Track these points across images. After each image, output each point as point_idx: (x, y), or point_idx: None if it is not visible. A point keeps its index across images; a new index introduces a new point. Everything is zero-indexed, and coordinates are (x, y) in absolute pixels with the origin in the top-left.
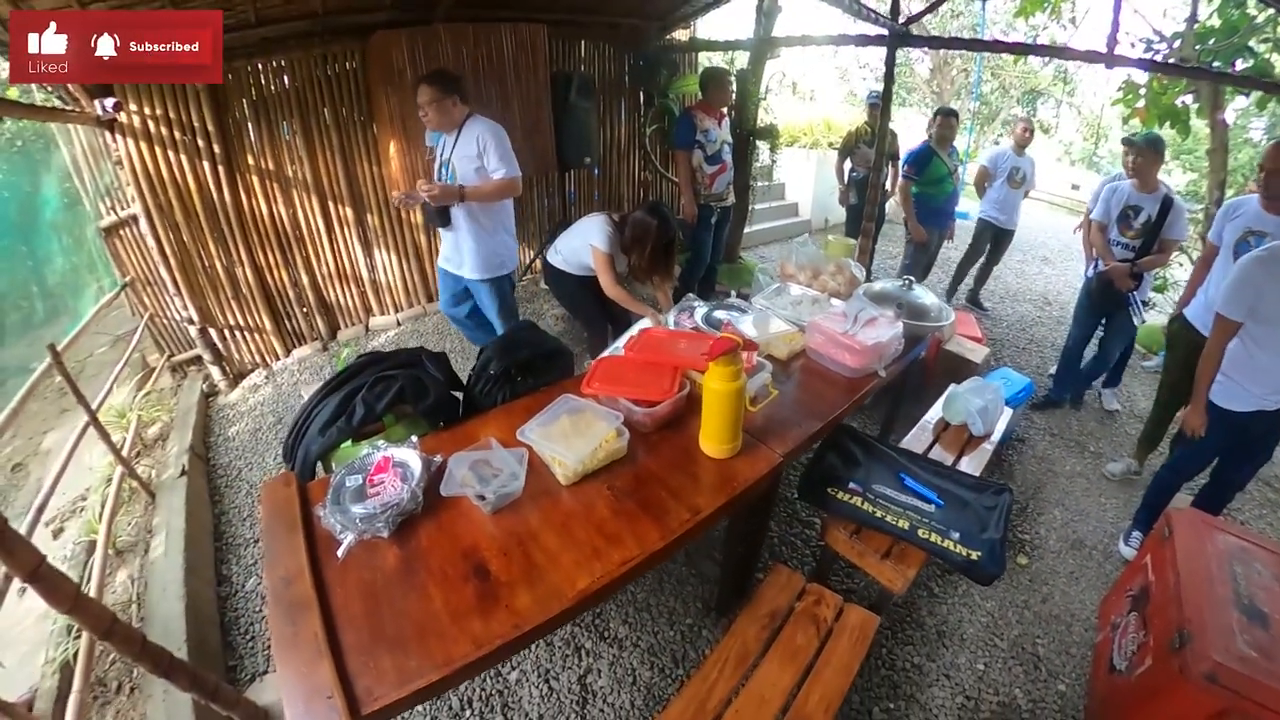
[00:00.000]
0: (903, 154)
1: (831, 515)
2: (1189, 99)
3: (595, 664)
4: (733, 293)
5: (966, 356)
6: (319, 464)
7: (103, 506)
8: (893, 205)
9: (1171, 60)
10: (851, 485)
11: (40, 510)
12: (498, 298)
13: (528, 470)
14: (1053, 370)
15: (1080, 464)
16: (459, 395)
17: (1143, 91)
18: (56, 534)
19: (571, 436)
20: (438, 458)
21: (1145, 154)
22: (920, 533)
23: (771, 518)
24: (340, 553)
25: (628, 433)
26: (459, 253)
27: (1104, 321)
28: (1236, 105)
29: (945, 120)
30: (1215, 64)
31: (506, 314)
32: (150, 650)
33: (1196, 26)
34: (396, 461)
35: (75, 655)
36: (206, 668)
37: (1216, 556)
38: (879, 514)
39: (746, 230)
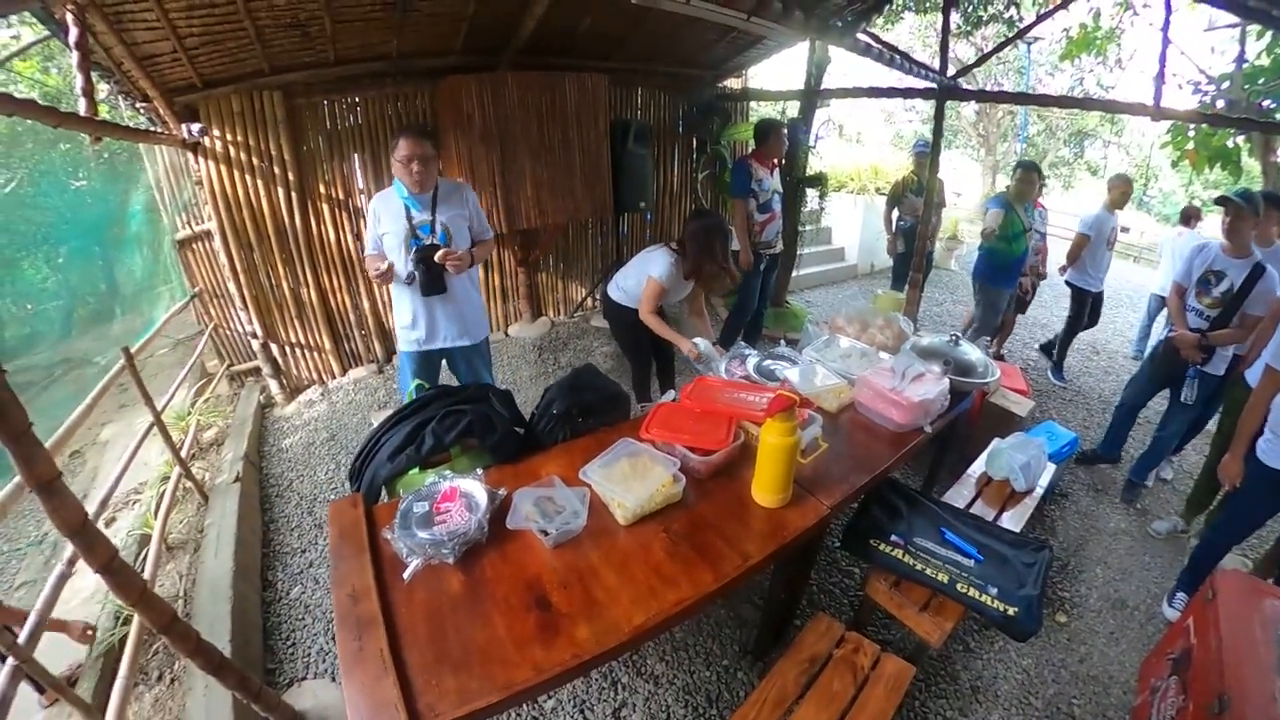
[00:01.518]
0: (950, 199)
1: (873, 566)
2: (1240, 139)
3: (631, 699)
4: (782, 340)
5: (1011, 409)
6: (383, 488)
7: (159, 503)
8: (939, 251)
9: (1219, 102)
10: (894, 538)
11: (104, 503)
12: (488, 351)
13: (588, 509)
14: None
15: (1125, 521)
16: (520, 431)
17: (1191, 133)
18: (109, 524)
19: (630, 479)
20: (501, 491)
21: (1237, 211)
22: (959, 587)
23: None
24: (406, 575)
25: (684, 478)
26: (450, 323)
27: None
28: None
29: (1025, 175)
30: (1267, 103)
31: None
32: (204, 648)
33: (1245, 67)
34: (463, 492)
35: (120, 642)
36: (248, 669)
37: (1261, 621)
38: (919, 567)
39: (793, 274)
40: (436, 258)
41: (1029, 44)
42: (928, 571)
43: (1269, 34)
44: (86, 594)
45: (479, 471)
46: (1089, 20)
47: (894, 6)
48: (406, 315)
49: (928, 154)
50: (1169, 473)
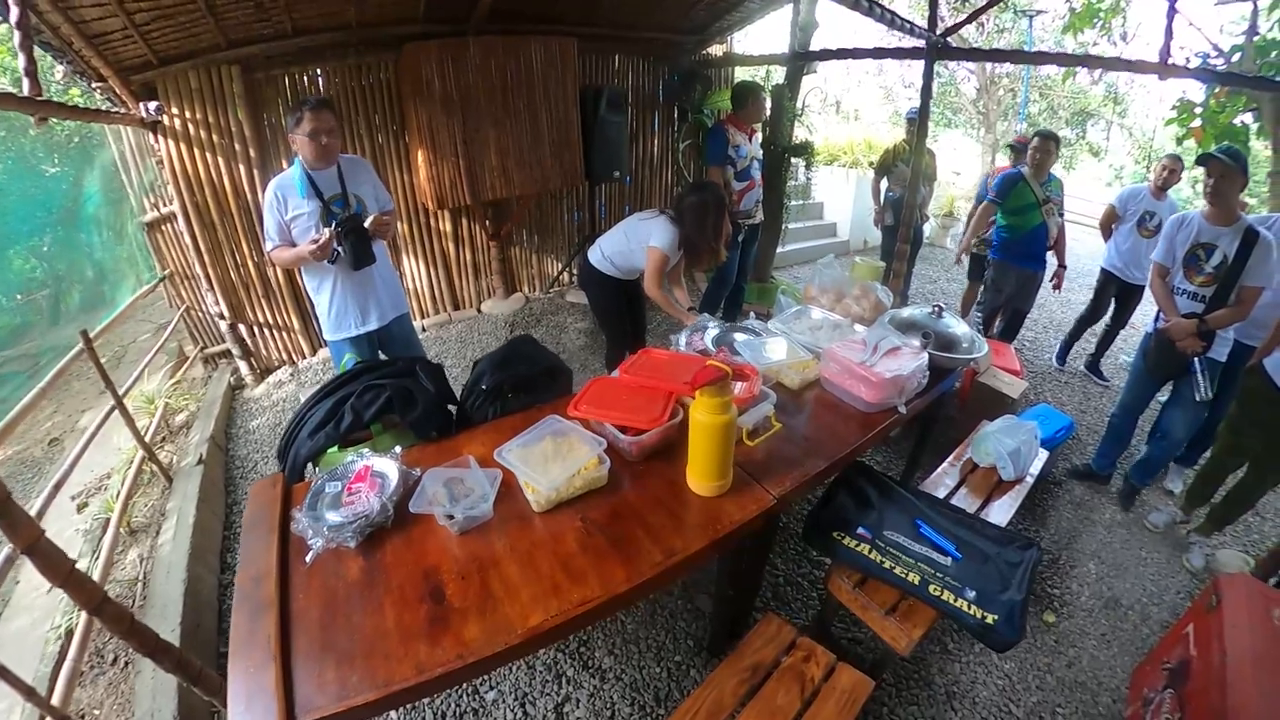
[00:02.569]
0: (950, 178)
1: (836, 561)
2: (1248, 117)
3: (575, 693)
4: (752, 314)
5: (1002, 390)
6: (311, 467)
7: (121, 487)
8: (931, 227)
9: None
10: (860, 530)
11: (58, 486)
12: (412, 326)
13: (503, 493)
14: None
15: (1120, 513)
16: (453, 408)
17: (1198, 110)
18: (81, 508)
19: (552, 460)
20: (416, 471)
21: (1222, 170)
22: (931, 589)
23: (771, 557)
24: (308, 558)
25: (609, 461)
26: (380, 297)
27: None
28: None
29: (1042, 144)
30: (1278, 79)
31: None
32: (138, 629)
33: (1256, 39)
34: (375, 471)
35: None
36: (198, 652)
37: (1270, 634)
38: (887, 565)
39: (782, 250)
40: (367, 224)
41: (1030, 17)
42: (896, 570)
43: None
44: None
45: (396, 450)
46: None
47: None
48: (335, 302)
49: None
50: (1178, 484)
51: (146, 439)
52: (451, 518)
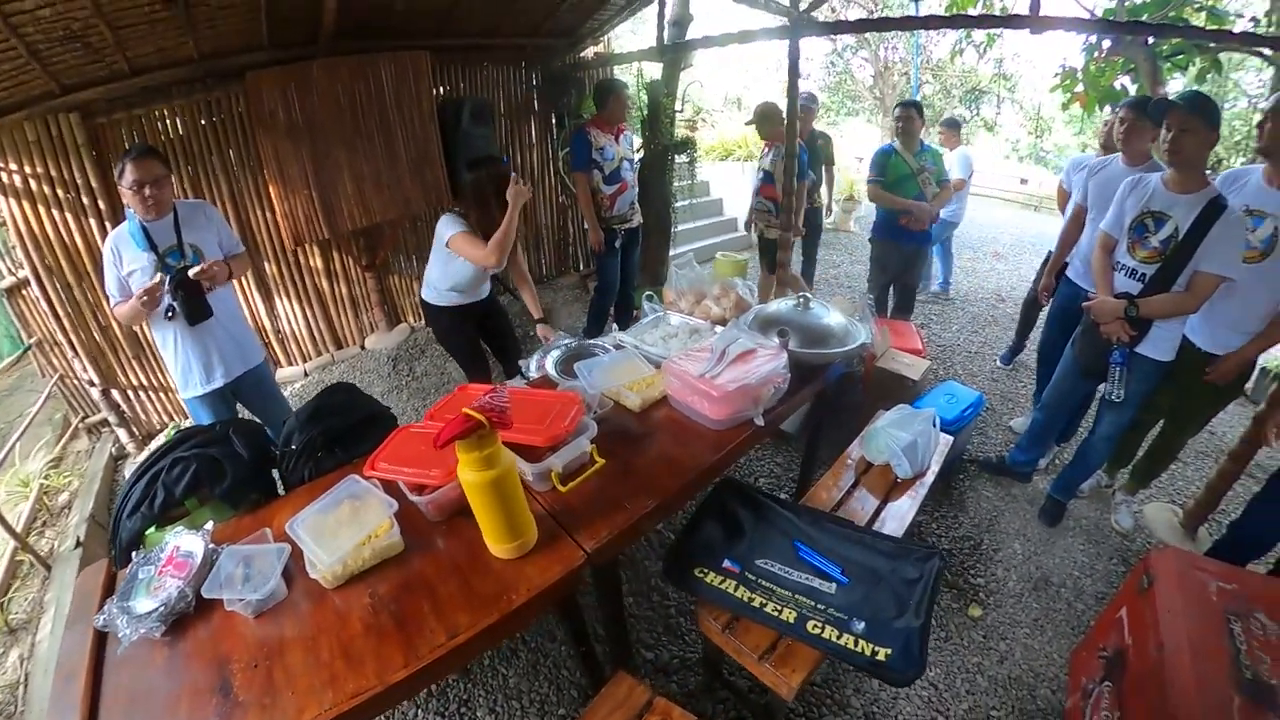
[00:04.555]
0: (852, 163)
1: (700, 600)
2: (1127, 80)
3: None
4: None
5: (902, 373)
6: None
7: None
8: (839, 214)
9: (1106, 41)
10: (726, 563)
11: None
12: (271, 374)
13: (301, 567)
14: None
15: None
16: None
17: (1080, 75)
18: None
19: (347, 527)
20: (225, 548)
21: (1183, 121)
22: (810, 626)
23: (662, 585)
24: (118, 651)
25: (397, 525)
26: (227, 350)
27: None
28: (1172, 88)
29: (903, 112)
30: (1150, 41)
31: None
32: None
33: (1128, 4)
34: (183, 552)
35: None
36: None
37: (1209, 612)
38: (758, 602)
39: (679, 250)
40: (191, 274)
41: (916, 2)
42: (768, 608)
43: None
44: None
45: (207, 527)
46: None
47: None
48: (179, 359)
49: (812, 108)
50: (1128, 522)
51: (21, 525)
52: (244, 600)
